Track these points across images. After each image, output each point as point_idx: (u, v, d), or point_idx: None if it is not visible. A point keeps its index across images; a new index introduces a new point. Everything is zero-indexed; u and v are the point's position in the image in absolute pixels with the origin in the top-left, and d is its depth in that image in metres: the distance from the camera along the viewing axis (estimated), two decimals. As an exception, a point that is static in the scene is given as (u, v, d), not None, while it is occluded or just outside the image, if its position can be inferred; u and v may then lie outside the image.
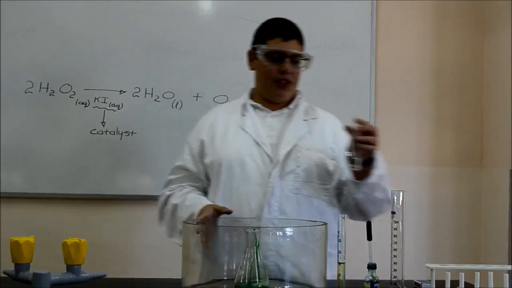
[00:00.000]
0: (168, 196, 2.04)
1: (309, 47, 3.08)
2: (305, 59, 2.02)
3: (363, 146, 1.77)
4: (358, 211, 1.96)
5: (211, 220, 1.75)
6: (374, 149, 1.81)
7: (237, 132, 2.02)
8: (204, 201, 1.92)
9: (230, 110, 2.11)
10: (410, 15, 3.24)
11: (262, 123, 2.03)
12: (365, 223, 1.68)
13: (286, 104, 2.08)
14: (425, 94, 3.24)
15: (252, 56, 2.06)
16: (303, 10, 3.11)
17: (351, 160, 1.80)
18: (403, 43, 3.23)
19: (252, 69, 2.08)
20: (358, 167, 1.81)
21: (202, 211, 1.84)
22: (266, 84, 2.04)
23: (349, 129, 1.78)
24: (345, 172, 1.91)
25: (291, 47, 1.98)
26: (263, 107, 2.07)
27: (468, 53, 3.25)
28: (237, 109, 2.08)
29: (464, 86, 3.25)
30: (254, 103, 2.08)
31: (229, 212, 1.81)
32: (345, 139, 1.82)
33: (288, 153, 1.95)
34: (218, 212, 1.80)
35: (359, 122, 1.79)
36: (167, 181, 2.10)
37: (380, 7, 3.19)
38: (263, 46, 2.00)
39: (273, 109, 2.06)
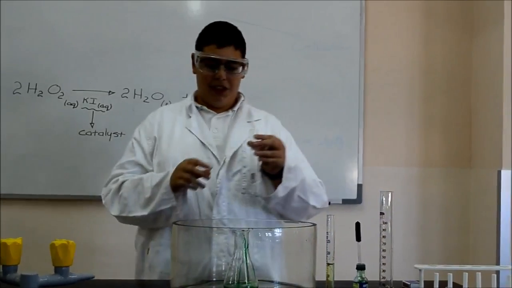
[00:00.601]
0: (124, 181, 2.00)
1: (299, 48, 3.10)
2: (242, 65, 2.04)
3: (263, 160, 1.89)
4: (285, 217, 2.02)
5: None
6: (276, 162, 1.88)
7: (183, 133, 2.04)
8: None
9: (176, 110, 2.12)
10: (399, 16, 3.25)
11: (208, 125, 2.06)
12: (353, 224, 1.67)
13: (231, 106, 2.11)
14: (414, 95, 3.25)
15: (193, 60, 2.09)
16: (293, 10, 3.12)
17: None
18: (392, 44, 3.24)
19: (194, 72, 2.10)
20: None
21: (187, 161, 1.86)
22: (203, 89, 2.08)
23: (250, 144, 1.87)
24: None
25: (226, 54, 1.99)
26: (208, 110, 2.10)
27: (456, 54, 3.27)
28: (183, 110, 2.10)
29: (453, 87, 3.27)
30: (199, 105, 2.11)
31: (206, 167, 1.85)
32: (285, 139, 1.99)
33: (234, 154, 1.99)
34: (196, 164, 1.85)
35: (258, 137, 1.88)
36: (114, 175, 2.05)
37: (369, 8, 3.20)
38: (198, 53, 2.03)
39: (218, 112, 2.10)
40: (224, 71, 2.01)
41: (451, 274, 1.66)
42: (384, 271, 1.64)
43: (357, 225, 1.67)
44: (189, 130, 2.04)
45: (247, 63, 2.06)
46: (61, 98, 3.00)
